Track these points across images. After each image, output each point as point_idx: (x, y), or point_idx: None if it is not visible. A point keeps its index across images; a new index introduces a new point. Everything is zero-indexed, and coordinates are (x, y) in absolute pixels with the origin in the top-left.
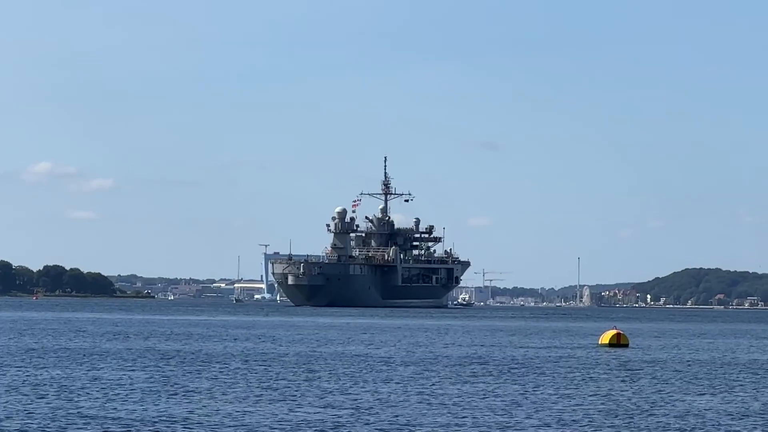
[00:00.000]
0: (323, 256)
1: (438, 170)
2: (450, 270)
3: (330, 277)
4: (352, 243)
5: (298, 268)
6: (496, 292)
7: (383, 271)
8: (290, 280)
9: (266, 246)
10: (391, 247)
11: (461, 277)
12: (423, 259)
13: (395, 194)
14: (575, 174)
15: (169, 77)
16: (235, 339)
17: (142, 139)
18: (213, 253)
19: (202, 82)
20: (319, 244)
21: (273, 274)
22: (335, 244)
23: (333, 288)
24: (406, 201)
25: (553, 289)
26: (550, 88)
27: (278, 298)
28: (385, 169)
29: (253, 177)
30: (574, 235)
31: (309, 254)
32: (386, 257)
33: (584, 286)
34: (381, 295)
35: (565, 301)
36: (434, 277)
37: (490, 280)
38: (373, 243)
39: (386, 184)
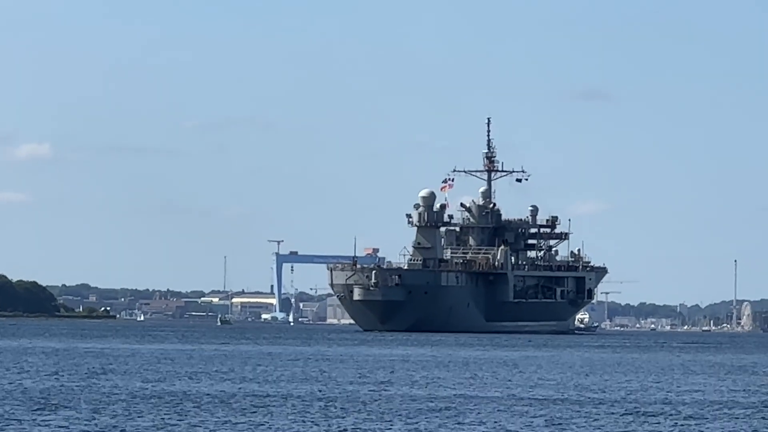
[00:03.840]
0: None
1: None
2: (580, 279)
3: (414, 289)
4: (443, 241)
5: (369, 277)
6: (615, 310)
7: (488, 280)
8: (357, 294)
9: (279, 243)
10: (498, 246)
11: (594, 290)
12: (543, 264)
13: (502, 171)
14: (728, 140)
15: None
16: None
17: (91, 86)
18: (200, 254)
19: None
20: (366, 243)
21: (332, 285)
22: (419, 243)
23: (418, 305)
24: (518, 181)
25: (697, 306)
26: None
27: (290, 319)
28: (488, 135)
29: (257, 140)
30: (727, 229)
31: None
32: (492, 261)
33: (744, 302)
34: (485, 315)
35: (715, 324)
36: (558, 289)
37: (606, 293)
38: (471, 241)
39: (490, 158)
